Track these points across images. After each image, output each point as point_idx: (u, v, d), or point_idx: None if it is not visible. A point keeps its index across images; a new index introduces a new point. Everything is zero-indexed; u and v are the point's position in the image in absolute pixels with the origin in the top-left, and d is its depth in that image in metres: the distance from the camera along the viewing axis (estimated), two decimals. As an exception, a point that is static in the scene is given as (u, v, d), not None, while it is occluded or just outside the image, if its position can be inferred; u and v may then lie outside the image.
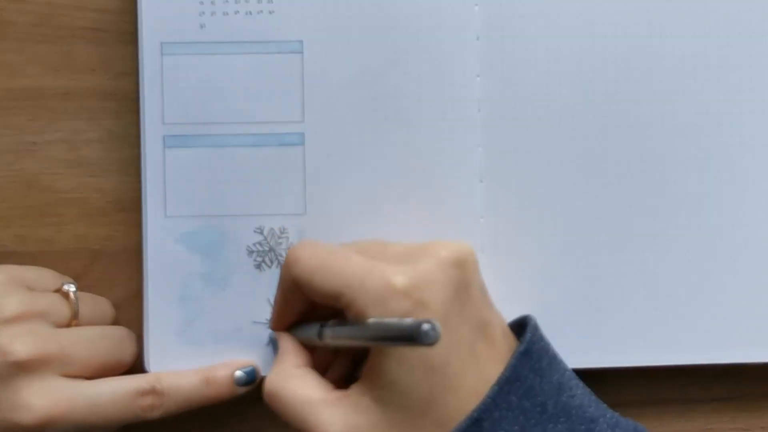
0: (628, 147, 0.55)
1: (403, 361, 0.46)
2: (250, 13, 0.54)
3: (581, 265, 0.54)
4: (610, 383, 0.54)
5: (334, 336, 0.48)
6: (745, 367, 0.55)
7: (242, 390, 0.53)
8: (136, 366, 0.54)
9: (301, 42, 0.54)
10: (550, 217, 0.55)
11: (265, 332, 0.54)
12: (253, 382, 0.53)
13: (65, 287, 0.53)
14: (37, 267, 0.54)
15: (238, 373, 0.53)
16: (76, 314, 0.53)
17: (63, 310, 0.52)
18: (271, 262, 0.54)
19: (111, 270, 0.55)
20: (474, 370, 0.47)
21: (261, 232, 0.54)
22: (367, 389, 0.47)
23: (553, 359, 0.49)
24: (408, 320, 0.43)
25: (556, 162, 0.55)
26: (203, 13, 0.54)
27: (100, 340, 0.53)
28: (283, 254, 0.54)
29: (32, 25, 0.56)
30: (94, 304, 0.54)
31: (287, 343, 0.52)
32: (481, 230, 0.55)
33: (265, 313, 0.54)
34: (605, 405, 0.49)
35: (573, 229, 0.55)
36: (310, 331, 0.50)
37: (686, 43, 0.55)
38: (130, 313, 0.55)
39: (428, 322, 0.41)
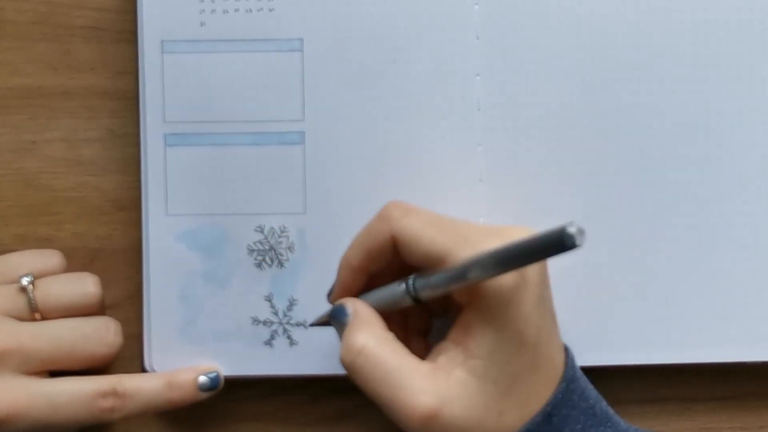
0: (628, 146, 0.55)
1: (505, 330, 0.45)
2: (250, 10, 0.54)
3: (581, 265, 0.54)
4: (610, 382, 0.54)
5: (434, 284, 0.46)
6: (744, 367, 0.55)
7: (205, 395, 0.53)
8: (136, 365, 0.54)
9: (301, 40, 0.54)
10: (549, 217, 0.55)
11: (265, 330, 0.54)
12: (216, 387, 0.53)
13: (22, 281, 0.51)
14: (6, 255, 0.53)
15: (202, 378, 0.53)
16: (36, 308, 0.51)
17: (19, 304, 0.51)
18: (272, 260, 0.54)
19: (111, 269, 0.55)
20: (550, 356, 0.47)
21: (261, 231, 0.54)
22: (462, 360, 0.46)
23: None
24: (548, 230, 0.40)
25: (555, 162, 0.55)
26: (203, 11, 0.54)
27: (66, 333, 0.51)
28: (284, 253, 0.54)
29: (31, 24, 0.55)
30: (64, 293, 0.52)
31: (367, 308, 0.48)
32: (482, 229, 0.54)
33: (266, 311, 0.54)
34: None
35: (573, 228, 0.55)
36: (393, 290, 0.48)
37: (686, 43, 0.55)
38: (129, 312, 0.54)
39: (571, 224, 0.39)
